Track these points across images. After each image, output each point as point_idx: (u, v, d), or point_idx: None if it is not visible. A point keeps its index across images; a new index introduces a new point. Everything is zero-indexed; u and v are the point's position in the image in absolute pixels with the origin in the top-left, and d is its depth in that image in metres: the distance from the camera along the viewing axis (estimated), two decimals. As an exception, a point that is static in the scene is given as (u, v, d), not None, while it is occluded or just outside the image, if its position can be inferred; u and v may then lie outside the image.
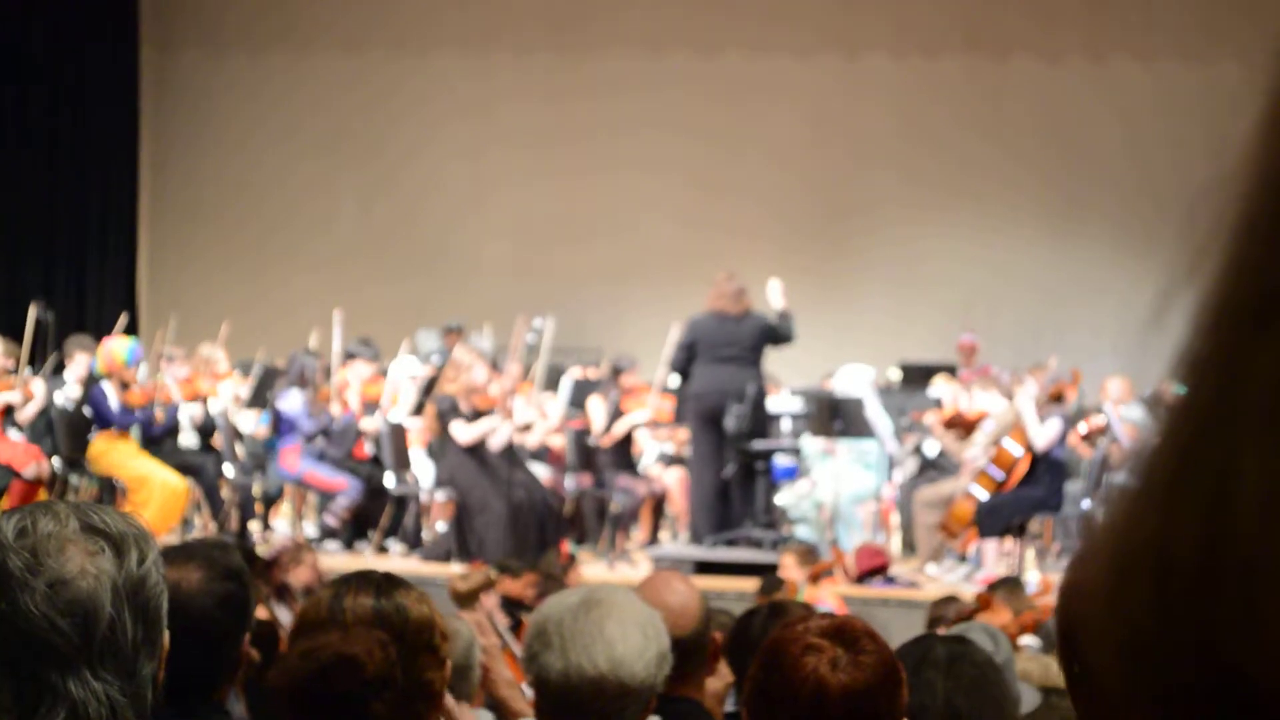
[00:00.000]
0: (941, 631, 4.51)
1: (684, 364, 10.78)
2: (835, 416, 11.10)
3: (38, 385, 10.70)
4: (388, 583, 2.34)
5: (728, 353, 10.55)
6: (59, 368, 11.68)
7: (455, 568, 9.58)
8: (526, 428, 11.46)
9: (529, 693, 3.21)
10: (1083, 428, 11.29)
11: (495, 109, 16.75)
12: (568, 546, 10.62)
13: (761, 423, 10.78)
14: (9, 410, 10.38)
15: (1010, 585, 7.44)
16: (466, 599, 6.95)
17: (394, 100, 16.92)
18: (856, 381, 11.92)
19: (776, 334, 10.68)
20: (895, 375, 13.89)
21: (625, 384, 12.01)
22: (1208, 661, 0.51)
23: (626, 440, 11.96)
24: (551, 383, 12.69)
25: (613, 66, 16.65)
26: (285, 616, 7.23)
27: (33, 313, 11.32)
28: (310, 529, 11.65)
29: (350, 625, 2.25)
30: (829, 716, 2.24)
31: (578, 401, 12.35)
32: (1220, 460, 0.52)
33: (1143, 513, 0.54)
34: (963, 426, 11.09)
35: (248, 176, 17.10)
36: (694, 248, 15.96)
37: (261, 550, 8.36)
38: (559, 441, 11.95)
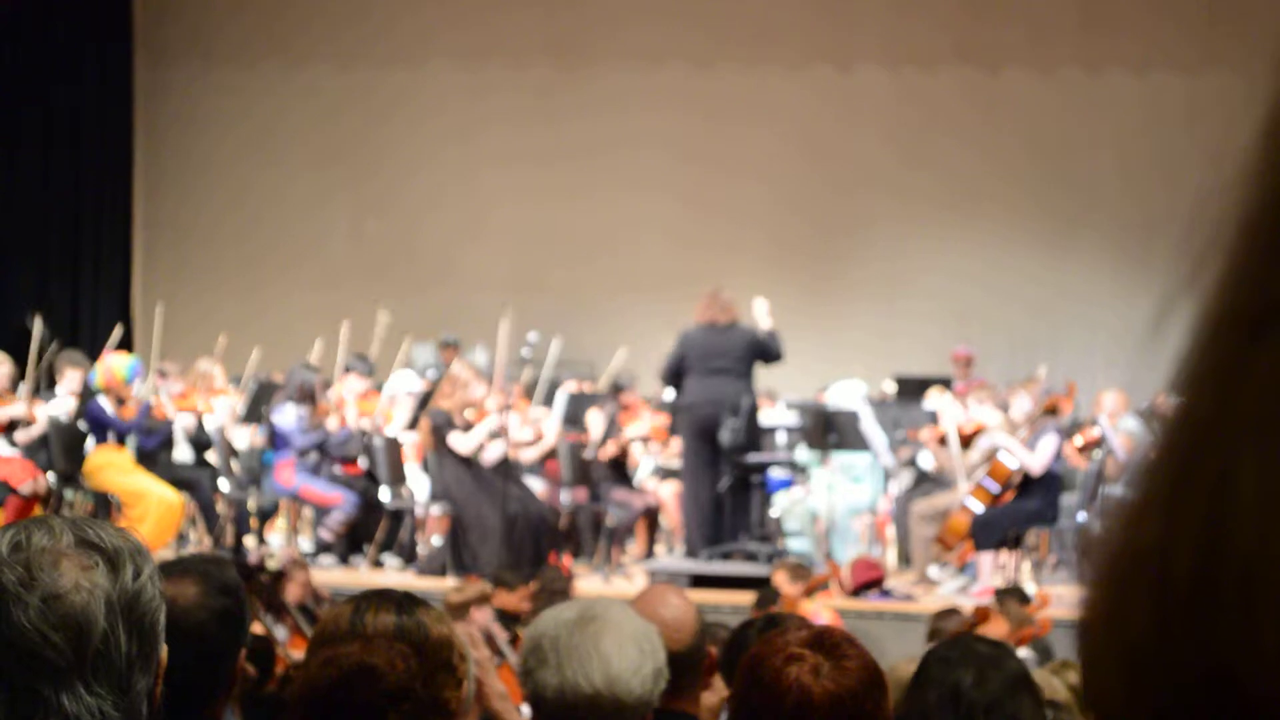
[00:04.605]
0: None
1: (674, 376, 10.77)
2: (830, 429, 11.10)
3: (41, 410, 10.70)
4: (408, 601, 2.35)
5: (718, 364, 10.52)
6: (50, 382, 11.66)
7: (450, 582, 9.57)
8: (521, 442, 11.46)
9: (525, 709, 3.22)
10: (1078, 440, 11.29)
11: (489, 126, 16.76)
12: (568, 561, 10.62)
13: (755, 436, 10.77)
14: (11, 426, 10.38)
15: (1008, 598, 7.45)
16: (458, 611, 6.96)
17: (388, 116, 16.94)
18: (849, 398, 11.91)
19: (765, 350, 10.62)
20: (890, 388, 13.88)
21: (624, 400, 12.02)
22: (1206, 672, 0.51)
23: (622, 454, 11.95)
24: (547, 398, 12.67)
25: (607, 84, 16.67)
26: (280, 632, 7.22)
27: (49, 339, 11.31)
28: (305, 544, 11.63)
29: (372, 637, 2.26)
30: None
31: (572, 416, 12.34)
32: (1218, 471, 0.52)
33: (1142, 524, 0.55)
34: (962, 439, 11.09)
35: (242, 191, 17.11)
36: (687, 264, 15.94)
37: (270, 564, 8.37)
38: (555, 441, 11.93)
